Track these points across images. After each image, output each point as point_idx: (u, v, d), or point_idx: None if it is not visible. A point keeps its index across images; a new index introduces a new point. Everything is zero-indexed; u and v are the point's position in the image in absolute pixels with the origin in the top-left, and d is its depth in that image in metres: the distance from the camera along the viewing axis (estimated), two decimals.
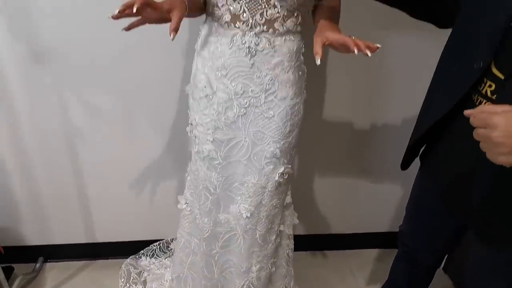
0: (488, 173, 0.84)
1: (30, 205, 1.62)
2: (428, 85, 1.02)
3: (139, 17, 0.89)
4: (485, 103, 0.83)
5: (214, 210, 1.22)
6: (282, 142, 1.13)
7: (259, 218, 1.21)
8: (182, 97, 1.46)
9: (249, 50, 1.02)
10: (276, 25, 1.01)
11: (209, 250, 1.27)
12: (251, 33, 1.01)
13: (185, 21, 1.21)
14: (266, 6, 0.98)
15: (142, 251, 1.73)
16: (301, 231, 1.83)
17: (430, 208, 1.08)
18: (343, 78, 1.52)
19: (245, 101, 1.08)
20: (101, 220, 1.69)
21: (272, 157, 1.14)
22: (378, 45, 0.86)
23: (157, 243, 1.75)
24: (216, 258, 1.28)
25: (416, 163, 1.11)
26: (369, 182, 1.77)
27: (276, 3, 0.98)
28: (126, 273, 1.64)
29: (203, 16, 1.12)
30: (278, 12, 0.99)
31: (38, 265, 1.70)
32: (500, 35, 0.78)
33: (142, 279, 1.63)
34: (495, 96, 0.81)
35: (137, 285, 1.60)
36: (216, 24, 1.05)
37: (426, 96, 1.02)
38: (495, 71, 0.81)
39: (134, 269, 1.66)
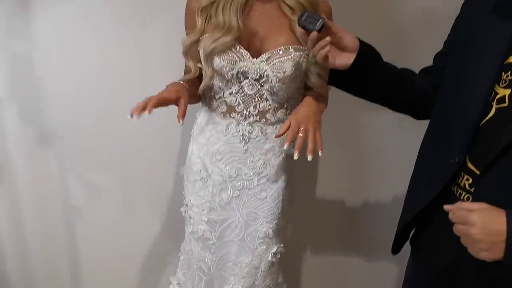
0: (473, 264, 0.80)
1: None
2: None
3: None
4: (464, 195, 0.83)
5: None
6: (274, 222, 1.16)
7: None
8: (178, 178, 1.50)
9: (243, 137, 1.10)
10: (268, 115, 1.10)
11: None
12: (245, 122, 1.09)
13: None
14: (259, 99, 1.08)
15: None
16: None
17: None
18: (336, 156, 1.53)
19: (239, 183, 1.13)
20: None
21: (265, 237, 1.16)
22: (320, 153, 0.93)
23: None
24: None
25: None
26: (363, 260, 1.76)
27: (268, 97, 1.08)
28: None
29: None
30: (269, 104, 1.09)
31: None
32: (472, 133, 0.81)
33: None
34: (473, 189, 0.81)
35: None
36: (213, 113, 1.13)
37: (409, 185, 1.02)
38: (470, 166, 0.82)
39: None
